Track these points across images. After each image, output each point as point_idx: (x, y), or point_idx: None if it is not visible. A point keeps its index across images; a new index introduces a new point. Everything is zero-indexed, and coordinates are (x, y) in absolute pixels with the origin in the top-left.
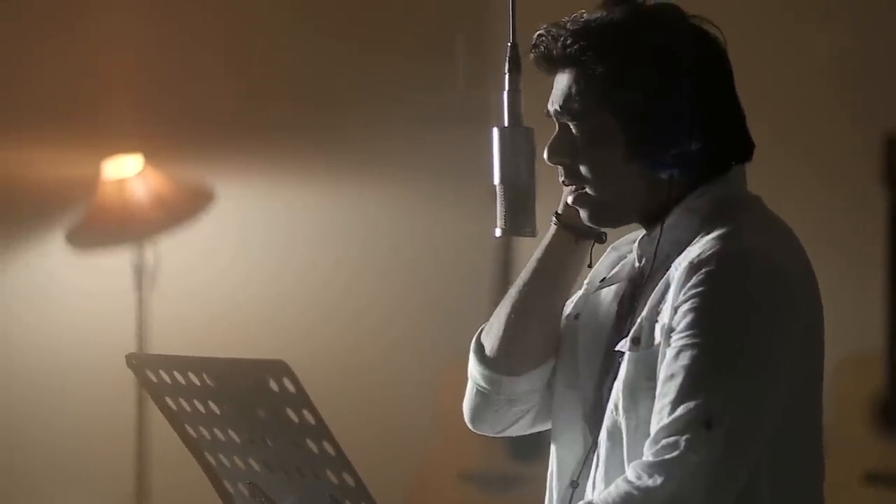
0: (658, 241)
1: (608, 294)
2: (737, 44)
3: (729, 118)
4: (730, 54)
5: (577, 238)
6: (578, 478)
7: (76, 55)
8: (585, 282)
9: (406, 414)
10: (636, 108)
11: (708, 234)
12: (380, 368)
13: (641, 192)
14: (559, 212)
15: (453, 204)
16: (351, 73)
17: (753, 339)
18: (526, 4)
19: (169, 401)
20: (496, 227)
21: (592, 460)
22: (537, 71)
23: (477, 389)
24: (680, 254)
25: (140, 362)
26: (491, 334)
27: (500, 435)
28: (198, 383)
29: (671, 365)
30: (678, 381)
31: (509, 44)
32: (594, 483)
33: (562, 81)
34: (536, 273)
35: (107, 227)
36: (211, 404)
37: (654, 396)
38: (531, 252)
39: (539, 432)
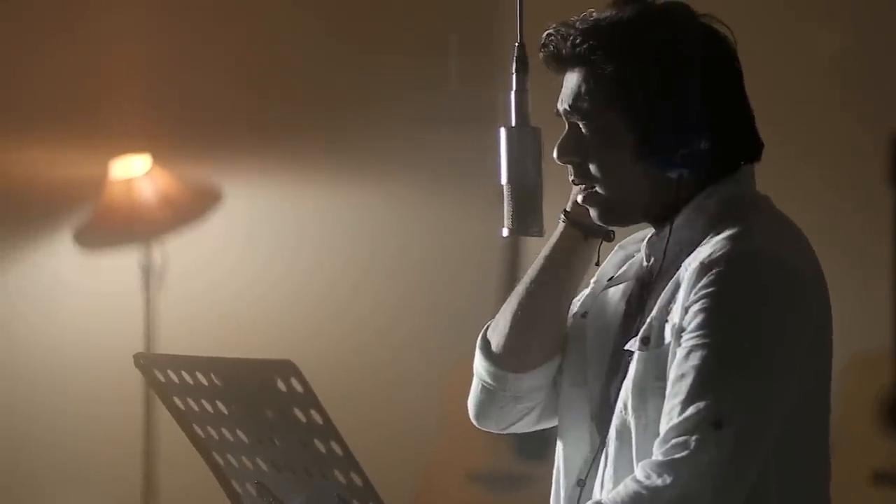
0: (667, 241)
1: (616, 293)
2: (742, 43)
3: (738, 118)
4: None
5: (585, 236)
6: (586, 477)
7: (84, 55)
8: (592, 280)
9: (413, 414)
10: (645, 107)
11: (718, 234)
12: (387, 368)
13: (650, 192)
14: (568, 209)
15: (460, 204)
16: (358, 74)
17: (764, 339)
18: (533, 4)
19: (177, 401)
20: (503, 226)
21: (600, 459)
22: (545, 70)
23: (482, 386)
24: (689, 253)
25: (148, 362)
26: (497, 331)
27: (505, 432)
28: (206, 383)
29: (681, 365)
30: (688, 380)
31: (517, 43)
32: (602, 482)
33: (571, 80)
34: (544, 270)
35: (115, 226)
36: (219, 404)
37: (663, 396)
38: (539, 252)
39: (546, 431)
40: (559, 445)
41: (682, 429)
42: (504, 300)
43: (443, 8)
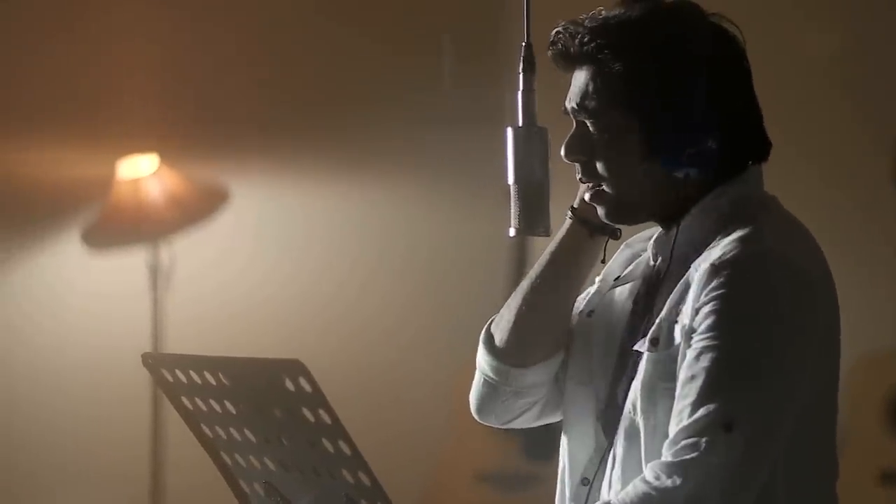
0: (674, 241)
1: (622, 292)
2: (747, 43)
3: (746, 117)
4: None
5: (591, 233)
6: (593, 477)
7: (91, 55)
8: (598, 279)
9: (421, 413)
10: (653, 106)
11: (728, 235)
12: (395, 368)
13: (658, 191)
14: (575, 206)
15: (468, 204)
16: (365, 74)
17: (775, 341)
18: (541, 4)
19: (185, 400)
20: (510, 226)
21: (607, 459)
22: (552, 70)
23: (484, 380)
24: (698, 254)
25: (156, 362)
26: (501, 325)
27: (506, 426)
28: (213, 383)
29: (692, 366)
30: (699, 382)
31: (524, 43)
32: (610, 483)
33: (579, 79)
34: (549, 266)
35: (122, 226)
36: (227, 403)
37: (672, 397)
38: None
39: (554, 432)
40: (564, 444)
41: (693, 430)
42: None
43: (450, 8)
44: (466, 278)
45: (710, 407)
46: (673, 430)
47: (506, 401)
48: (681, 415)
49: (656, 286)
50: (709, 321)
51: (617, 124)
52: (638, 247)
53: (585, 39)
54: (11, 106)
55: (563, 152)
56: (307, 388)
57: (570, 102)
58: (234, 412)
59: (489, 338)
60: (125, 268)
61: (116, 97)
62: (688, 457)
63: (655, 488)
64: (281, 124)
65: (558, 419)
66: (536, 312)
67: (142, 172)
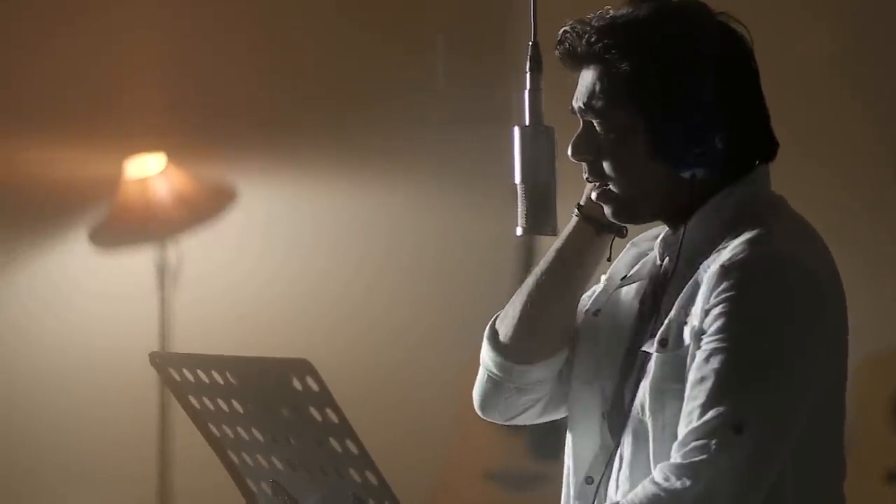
0: (681, 241)
1: (629, 292)
2: (753, 42)
3: (753, 117)
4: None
5: (597, 231)
6: (599, 477)
7: (99, 54)
8: (604, 277)
9: (428, 412)
10: (660, 106)
11: (737, 236)
12: (402, 367)
13: (665, 191)
14: (581, 204)
15: (475, 203)
16: (372, 73)
17: (784, 342)
18: (547, 3)
19: (192, 399)
20: (517, 225)
21: (613, 459)
22: (559, 69)
23: (488, 376)
24: (707, 255)
25: (163, 361)
26: (506, 322)
27: (509, 423)
28: (221, 382)
29: (701, 368)
30: (708, 384)
31: (530, 42)
32: (617, 483)
33: (586, 78)
34: (555, 264)
35: (129, 226)
36: (234, 403)
37: (681, 398)
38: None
39: (561, 431)
40: (569, 443)
41: (702, 432)
42: None
43: (456, 7)
44: (473, 277)
45: (720, 409)
46: (682, 431)
47: (509, 397)
48: (690, 416)
49: (663, 286)
50: (718, 323)
51: (624, 124)
52: (644, 246)
53: (593, 39)
54: (19, 105)
55: (569, 152)
56: (314, 387)
57: (577, 102)
58: (241, 411)
59: (493, 334)
60: (132, 267)
61: (124, 96)
62: (697, 458)
63: (665, 489)
64: (288, 124)
65: (562, 416)
66: (541, 310)
67: (149, 171)
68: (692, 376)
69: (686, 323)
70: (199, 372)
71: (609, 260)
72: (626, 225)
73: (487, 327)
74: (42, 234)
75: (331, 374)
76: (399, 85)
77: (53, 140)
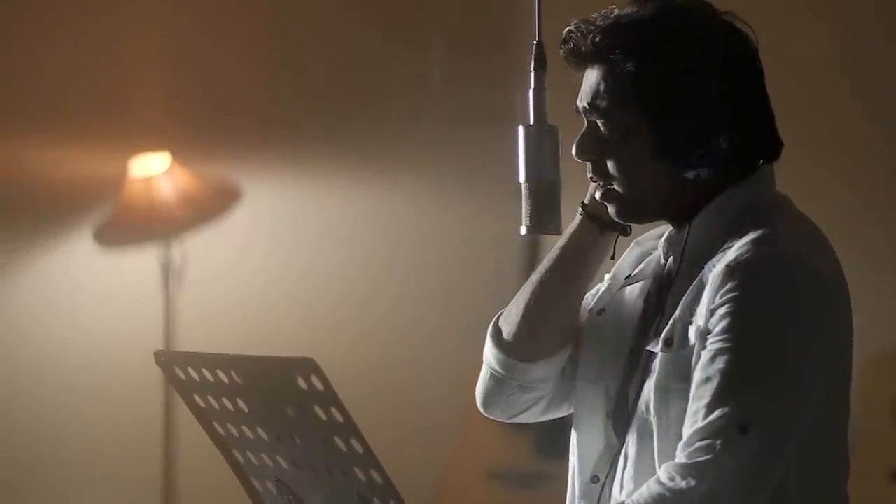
0: (686, 241)
1: (633, 291)
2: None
3: (758, 117)
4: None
5: (601, 229)
6: (604, 476)
7: (103, 53)
8: (608, 276)
9: (432, 411)
10: (664, 106)
11: (742, 236)
12: (406, 366)
13: (669, 191)
14: (585, 202)
15: (479, 202)
16: (380, 71)
17: (789, 343)
18: (551, 2)
19: (197, 398)
20: (521, 225)
21: (619, 459)
22: (563, 68)
23: (491, 373)
24: (711, 254)
25: (168, 360)
26: (509, 319)
27: (512, 421)
28: (226, 381)
29: (707, 368)
30: (713, 384)
31: (534, 41)
32: (622, 482)
33: (591, 78)
34: (559, 261)
35: (134, 225)
36: (239, 402)
37: (685, 398)
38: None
39: (565, 430)
40: (574, 442)
41: (707, 432)
42: None
43: (460, 6)
44: (478, 277)
45: (725, 409)
46: (687, 431)
47: (511, 395)
48: (695, 416)
49: (667, 285)
50: (724, 323)
51: (628, 124)
52: (648, 245)
53: (597, 39)
54: (23, 104)
55: (573, 151)
56: (319, 386)
57: (582, 101)
58: (246, 410)
59: (497, 331)
60: (137, 266)
61: (129, 95)
62: (702, 458)
63: (670, 489)
64: (293, 123)
65: (564, 414)
66: (544, 307)
67: (154, 171)
68: (697, 376)
69: (691, 323)
70: (203, 371)
71: (613, 258)
72: (630, 224)
73: (491, 325)
74: (46, 233)
75: (335, 373)
76: (404, 84)
77: (57, 139)
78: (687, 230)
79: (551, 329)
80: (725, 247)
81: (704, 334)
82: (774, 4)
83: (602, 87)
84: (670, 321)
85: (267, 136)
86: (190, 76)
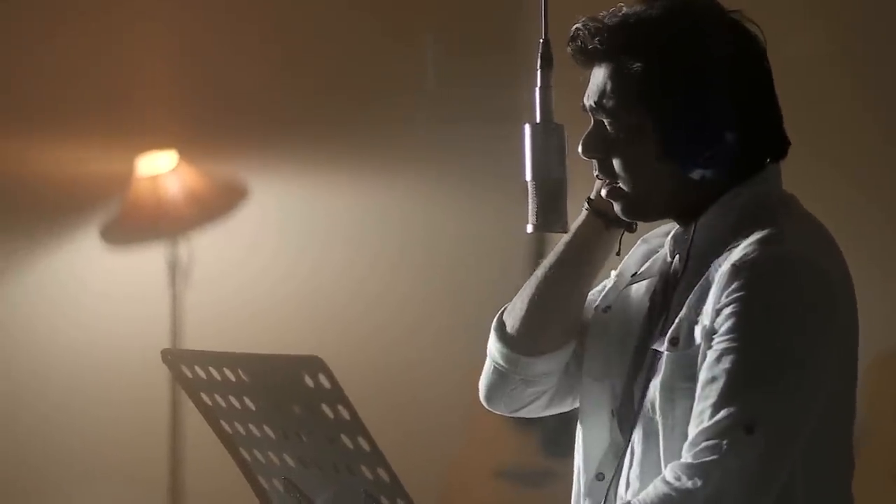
0: (691, 240)
1: (639, 289)
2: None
3: (765, 117)
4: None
5: (607, 225)
6: (612, 475)
7: (110, 51)
8: (614, 273)
9: (439, 410)
10: (671, 107)
11: (748, 236)
12: (413, 365)
13: (675, 190)
14: (592, 197)
15: (486, 200)
16: (386, 70)
17: (795, 343)
18: (559, 1)
19: (204, 396)
20: (528, 223)
21: (624, 457)
22: (569, 67)
23: (494, 367)
24: (717, 253)
25: (175, 358)
26: (513, 314)
27: (515, 415)
28: (233, 379)
29: (712, 368)
30: (719, 384)
31: (541, 40)
32: (628, 481)
33: (598, 76)
34: (564, 256)
35: (141, 223)
36: (246, 400)
37: (691, 397)
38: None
39: (571, 428)
40: (579, 439)
41: (713, 432)
42: None
43: (467, 4)
44: (485, 275)
45: (731, 409)
46: (693, 431)
47: (514, 389)
48: (701, 416)
49: (673, 284)
50: (729, 323)
51: (634, 124)
52: (655, 242)
53: (605, 38)
54: (30, 102)
55: (580, 149)
56: (326, 384)
57: (589, 100)
58: (253, 408)
59: (501, 325)
60: (144, 264)
61: (135, 94)
62: (708, 459)
63: (676, 489)
64: (300, 121)
65: (568, 409)
66: (549, 302)
67: (161, 169)
68: (703, 376)
69: (697, 322)
70: (210, 369)
71: (618, 254)
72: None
73: (495, 319)
74: (53, 232)
75: (341, 371)
76: (410, 83)
77: (64, 138)
78: (693, 229)
79: (555, 324)
80: (731, 246)
81: (710, 334)
82: (776, 3)
83: (609, 87)
84: (676, 320)
85: (274, 135)
86: (196, 74)
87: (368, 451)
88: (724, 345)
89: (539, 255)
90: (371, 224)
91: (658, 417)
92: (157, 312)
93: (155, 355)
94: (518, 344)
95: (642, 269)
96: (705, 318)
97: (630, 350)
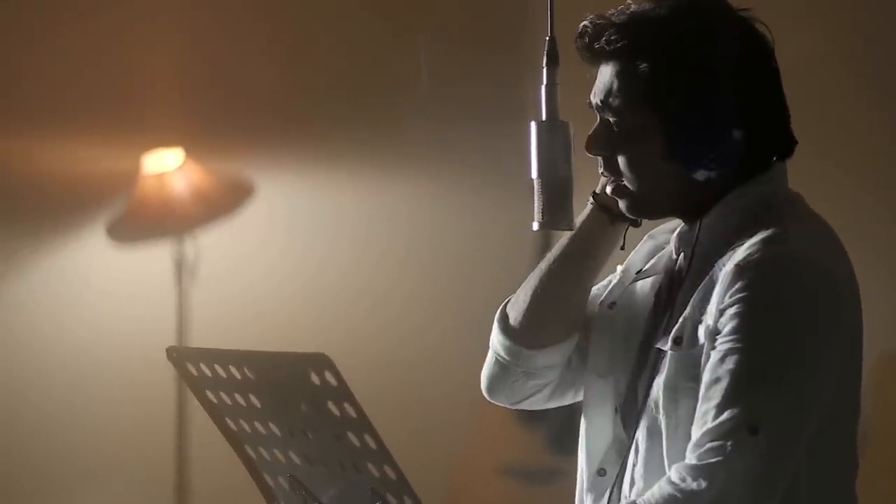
0: (696, 239)
1: (644, 285)
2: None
3: (772, 117)
4: None
5: (611, 220)
6: (617, 472)
7: (117, 49)
8: (620, 268)
9: (445, 407)
10: (677, 107)
11: (753, 235)
12: (419, 363)
13: (679, 190)
14: (596, 192)
15: (493, 198)
16: (392, 67)
17: (799, 344)
18: None
19: (209, 394)
20: (534, 221)
21: (628, 455)
22: (576, 65)
23: (496, 359)
24: (722, 252)
25: (180, 355)
26: (516, 306)
27: (516, 407)
28: (238, 376)
29: (716, 369)
30: (723, 385)
31: (547, 38)
32: (632, 479)
33: (604, 75)
34: (568, 250)
35: (147, 221)
36: (252, 397)
37: (694, 396)
38: None
39: (577, 425)
40: (582, 435)
41: (717, 433)
42: None
43: (477, 3)
44: (491, 273)
45: (735, 410)
46: (697, 432)
47: (516, 381)
48: (705, 417)
49: (678, 282)
50: (733, 323)
51: (640, 123)
52: (661, 238)
53: (612, 37)
54: (35, 100)
55: (585, 146)
56: (333, 381)
57: (595, 98)
58: (258, 406)
59: (503, 317)
60: (150, 262)
61: (142, 91)
62: (713, 460)
63: (681, 490)
64: (307, 119)
65: (569, 402)
66: (551, 295)
67: (167, 167)
68: (707, 377)
69: (701, 322)
70: (216, 366)
71: (623, 248)
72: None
73: (498, 311)
74: (59, 230)
75: (346, 369)
76: (417, 81)
77: (71, 135)
78: (698, 228)
79: (557, 317)
80: (735, 246)
81: (714, 334)
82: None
83: (615, 86)
84: (680, 319)
85: (280, 132)
86: (203, 72)
87: (375, 448)
88: (727, 346)
89: (545, 252)
90: (377, 222)
91: (661, 417)
92: (164, 310)
93: (161, 353)
94: (520, 336)
95: (648, 265)
96: (709, 318)
97: (634, 347)
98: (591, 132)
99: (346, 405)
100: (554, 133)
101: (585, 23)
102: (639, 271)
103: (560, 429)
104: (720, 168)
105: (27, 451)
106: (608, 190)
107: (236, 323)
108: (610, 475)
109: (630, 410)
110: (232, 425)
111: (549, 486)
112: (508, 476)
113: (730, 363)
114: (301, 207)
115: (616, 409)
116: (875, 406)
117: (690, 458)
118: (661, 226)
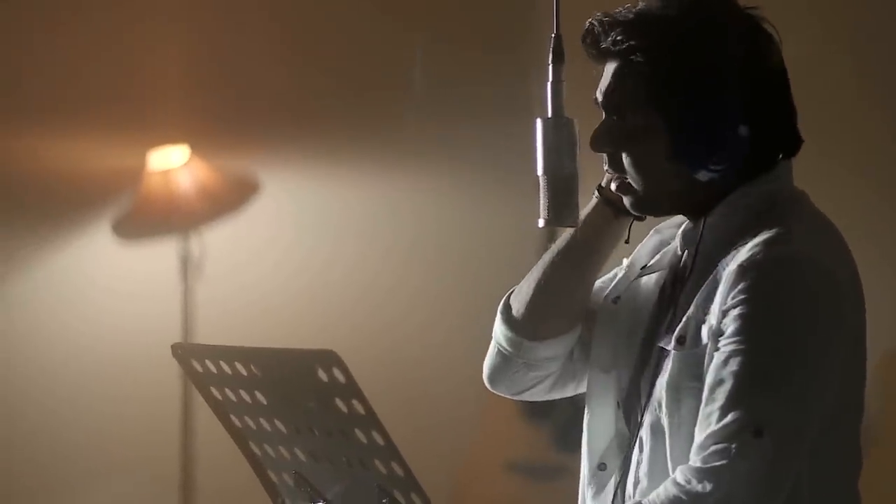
0: (700, 237)
1: (649, 281)
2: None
3: (778, 117)
4: None
5: (616, 214)
6: (619, 469)
7: (122, 46)
8: (625, 262)
9: (451, 404)
10: (682, 107)
11: (756, 235)
12: (425, 359)
13: (684, 189)
14: (602, 185)
15: (498, 195)
16: (398, 65)
17: (801, 345)
18: None
19: (214, 391)
20: (539, 217)
21: (631, 454)
22: (582, 62)
23: (498, 350)
24: (726, 251)
25: (185, 352)
26: (519, 297)
27: (517, 398)
28: (244, 373)
29: (720, 370)
30: (727, 387)
31: (553, 35)
32: (637, 478)
33: (609, 73)
34: (572, 243)
35: (153, 218)
36: (257, 394)
37: (697, 396)
38: None
39: (582, 422)
40: (585, 428)
41: (721, 436)
42: None
43: (480, 1)
44: (497, 270)
45: (739, 412)
46: (701, 434)
47: (517, 372)
48: (709, 419)
49: (682, 279)
50: (736, 325)
51: (644, 122)
52: (667, 233)
53: (617, 36)
54: (42, 97)
55: (590, 144)
56: (341, 378)
57: (600, 95)
58: (264, 402)
59: (507, 308)
60: (156, 259)
61: (147, 88)
62: (718, 463)
63: (686, 492)
64: (312, 116)
65: (570, 394)
66: (555, 288)
67: (173, 163)
68: (710, 378)
69: (704, 321)
70: (221, 363)
71: (627, 242)
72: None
73: (501, 301)
74: (65, 226)
75: (352, 365)
76: (423, 78)
77: (76, 133)
78: (701, 227)
79: (561, 309)
80: (738, 245)
81: (717, 335)
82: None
83: (620, 84)
84: (683, 319)
85: (286, 129)
86: (208, 69)
87: (382, 445)
88: (730, 347)
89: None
90: (383, 218)
91: (664, 416)
92: (169, 307)
93: (166, 350)
94: (522, 328)
95: (653, 261)
96: (712, 318)
97: (637, 342)
98: (595, 129)
99: (355, 402)
100: (559, 130)
101: (592, 21)
102: (644, 266)
103: (565, 425)
104: (725, 169)
105: (31, 449)
106: (612, 187)
107: (242, 320)
108: (610, 469)
109: (632, 405)
110: (236, 422)
111: (554, 483)
112: (514, 472)
113: (733, 365)
114: (307, 204)
115: (619, 403)
116: (879, 405)
117: (695, 460)
118: (668, 220)
